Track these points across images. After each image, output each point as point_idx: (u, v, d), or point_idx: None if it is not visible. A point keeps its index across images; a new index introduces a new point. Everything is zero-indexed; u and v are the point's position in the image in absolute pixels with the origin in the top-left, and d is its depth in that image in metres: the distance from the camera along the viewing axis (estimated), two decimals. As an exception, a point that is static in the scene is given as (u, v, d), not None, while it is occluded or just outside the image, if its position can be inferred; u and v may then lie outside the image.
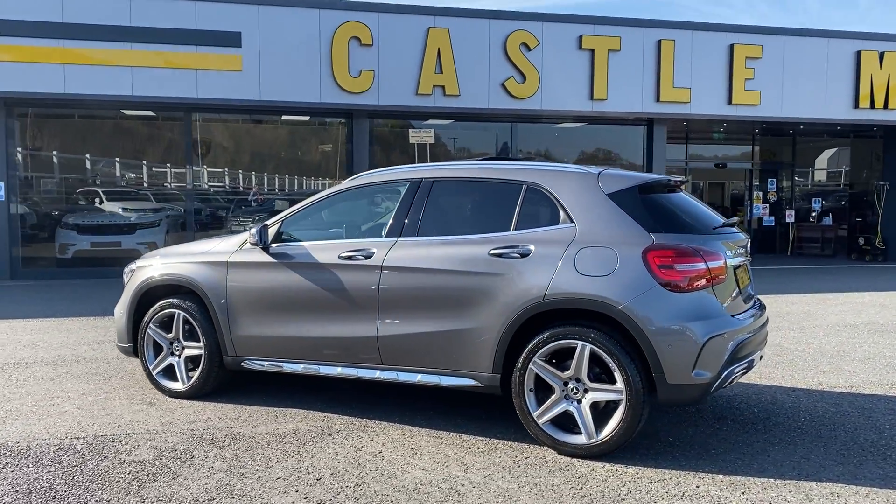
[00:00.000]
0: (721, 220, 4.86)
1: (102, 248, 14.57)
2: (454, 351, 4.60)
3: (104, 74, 12.95)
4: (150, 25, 12.98)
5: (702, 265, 4.22)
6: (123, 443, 4.52)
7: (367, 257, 4.84)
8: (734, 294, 4.49)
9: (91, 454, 4.33)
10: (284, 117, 15.53)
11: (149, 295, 5.64)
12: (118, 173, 17.00)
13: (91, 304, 10.32)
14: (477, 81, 14.26)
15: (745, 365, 4.41)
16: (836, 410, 5.27)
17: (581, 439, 4.28)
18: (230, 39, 13.34)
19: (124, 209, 15.55)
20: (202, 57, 13.27)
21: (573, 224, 4.45)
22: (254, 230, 5.18)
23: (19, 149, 15.20)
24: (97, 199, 15.67)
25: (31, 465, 4.16)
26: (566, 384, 4.33)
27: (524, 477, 4.01)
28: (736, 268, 4.64)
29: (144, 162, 16.30)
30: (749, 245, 5.08)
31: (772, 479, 4.00)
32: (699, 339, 4.08)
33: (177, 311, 5.47)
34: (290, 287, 5.09)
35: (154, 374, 5.60)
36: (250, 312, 5.23)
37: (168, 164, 16.29)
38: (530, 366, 4.36)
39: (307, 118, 15.60)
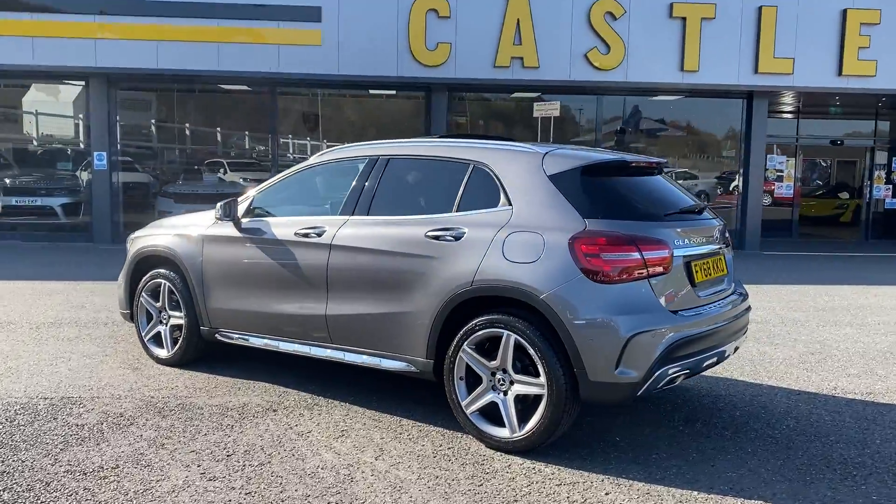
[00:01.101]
0: (691, 204, 4.46)
1: (197, 216, 15.33)
2: (393, 334, 4.49)
3: (193, 50, 13.53)
4: (236, 2, 13.41)
5: (635, 255, 3.88)
6: (81, 405, 4.75)
7: (319, 235, 4.81)
8: (683, 287, 4.10)
9: (45, 415, 4.57)
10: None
11: (142, 264, 5.87)
12: (247, 145, 17.89)
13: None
14: (557, 53, 13.81)
15: (693, 364, 4.03)
16: (831, 419, 4.75)
17: (505, 432, 4.09)
18: (311, 14, 13.57)
19: (244, 179, 16.25)
20: (284, 32, 13.59)
21: (510, 207, 4.21)
22: (220, 204, 5.26)
23: (153, 121, 16.32)
24: (221, 170, 16.51)
25: (-15, 422, 4.45)
26: (494, 374, 4.14)
27: (431, 468, 3.88)
28: (699, 258, 4.24)
29: (270, 135, 16.99)
30: (724, 232, 4.64)
31: (696, 493, 3.65)
32: (622, 336, 3.77)
33: (163, 281, 5.66)
34: (254, 262, 5.14)
35: (145, 340, 5.84)
36: (221, 285, 5.33)
37: (290, 136, 16.97)
38: (460, 353, 4.20)
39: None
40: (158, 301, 5.73)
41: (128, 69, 13.69)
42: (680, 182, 15.72)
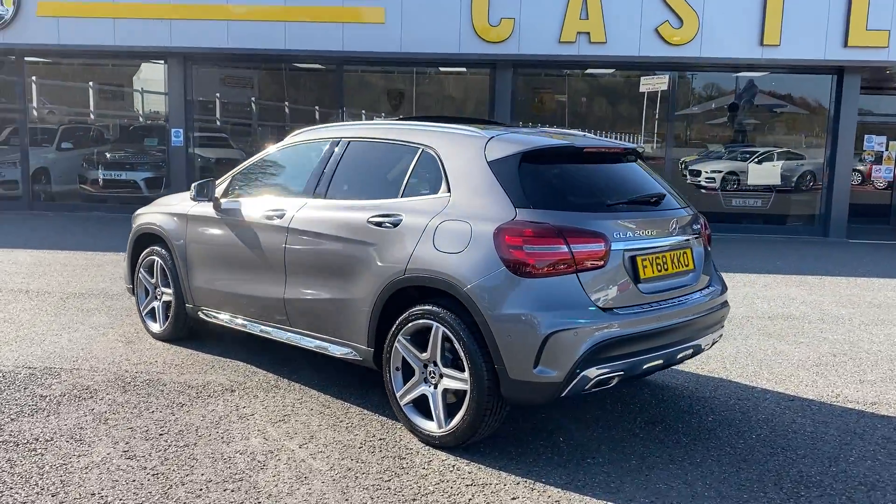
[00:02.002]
0: (647, 194, 4.15)
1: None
2: (340, 320, 4.44)
3: (261, 29, 13.80)
4: (302, -19, 13.58)
5: (562, 248, 3.64)
6: (57, 376, 4.95)
7: (280, 217, 4.79)
8: (623, 283, 3.81)
9: (18, 384, 4.79)
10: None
11: (141, 241, 6.04)
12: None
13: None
14: (626, 27, 13.22)
15: (628, 366, 3.76)
16: (812, 431, 4.35)
17: (433, 427, 3.96)
18: (374, -8, 13.56)
19: None
20: (348, 10, 13.63)
21: (448, 194, 4.05)
22: (194, 185, 5.33)
23: (253, 98, 16.87)
24: None
25: (-38, 388, 4.71)
26: (426, 367, 4.01)
27: (350, 459, 3.81)
28: (650, 251, 3.94)
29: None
30: (694, 224, 4.30)
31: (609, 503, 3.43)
32: (540, 333, 3.55)
33: (156, 258, 5.81)
34: (228, 243, 5.19)
35: (143, 314, 6.04)
36: (201, 265, 5.41)
37: (382, 114, 17.23)
38: (396, 344, 4.09)
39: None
40: (153, 277, 5.90)
41: (200, 48, 14.12)
42: (785, 162, 14.90)
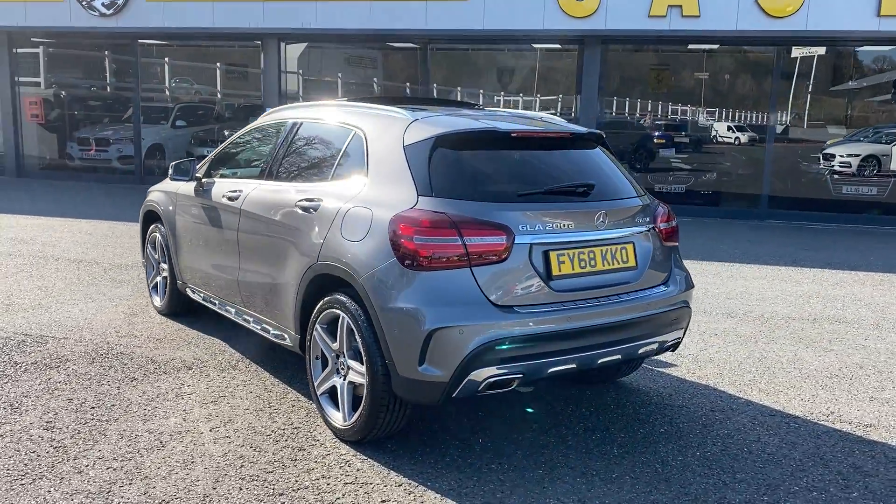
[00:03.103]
0: (573, 184, 3.79)
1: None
2: (275, 304, 4.39)
3: (348, 9, 13.94)
4: (385, -41, 13.58)
5: (454, 240, 3.39)
6: (43, 345, 5.21)
7: (235, 199, 4.79)
8: (529, 279, 3.49)
9: (10, 347, 5.08)
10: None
11: (147, 217, 6.24)
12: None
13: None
14: (722, -1, 12.31)
15: (529, 368, 3.46)
16: (774, 453, 3.86)
17: (339, 419, 3.84)
18: (458, -32, 13.34)
19: None
20: (432, -13, 13.52)
21: (366, 178, 3.88)
22: (172, 164, 5.43)
23: (375, 79, 17.27)
24: None
25: (-46, 351, 5.06)
26: (338, 357, 3.89)
27: (250, 447, 3.75)
28: (570, 246, 3.61)
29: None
30: (642, 216, 3.90)
31: (482, 515, 3.19)
32: (424, 329, 3.34)
33: (157, 234, 6.00)
34: (201, 222, 5.26)
35: (149, 288, 6.26)
36: (184, 243, 5.53)
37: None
38: (314, 332, 4.00)
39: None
40: (156, 253, 6.10)
41: (292, 29, 14.46)
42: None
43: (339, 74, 18.16)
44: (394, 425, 3.69)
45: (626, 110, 16.39)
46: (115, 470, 3.48)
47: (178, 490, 3.32)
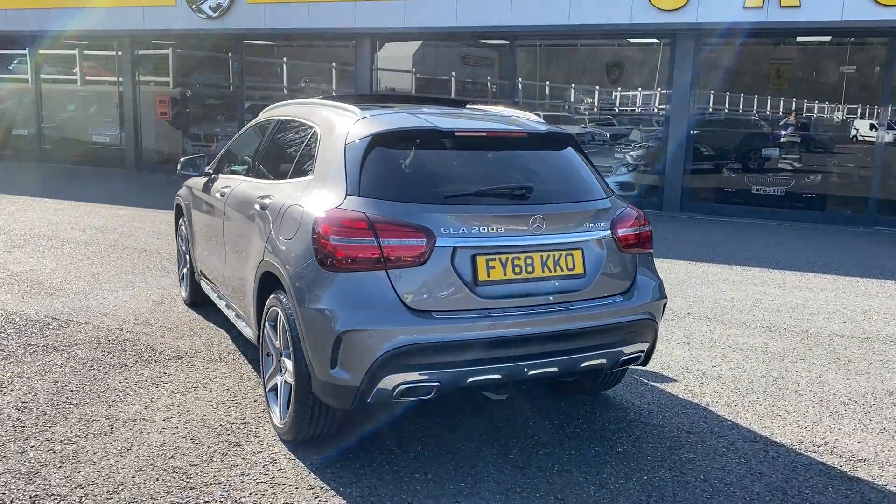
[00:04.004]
0: (512, 186, 3.59)
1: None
2: (243, 299, 4.46)
3: (434, 7, 13.97)
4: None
5: (369, 241, 3.30)
6: (63, 328, 5.53)
7: (223, 195, 4.90)
8: (450, 284, 3.33)
9: (26, 332, 5.42)
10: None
11: (177, 211, 6.50)
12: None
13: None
14: (826, -13, 11.39)
15: (448, 377, 3.32)
16: (732, 484, 3.52)
17: (276, 417, 3.85)
18: (544, -38, 13.08)
19: None
20: (517, -18, 13.33)
21: (311, 176, 3.86)
22: (181, 160, 5.60)
23: (489, 78, 17.40)
24: None
25: (-17, 331, 5.46)
26: (280, 355, 3.89)
27: (189, 439, 3.81)
28: (501, 251, 3.43)
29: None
30: (596, 221, 3.65)
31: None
32: (334, 331, 3.27)
33: (183, 227, 6.24)
34: (205, 216, 5.42)
35: (179, 278, 6.53)
36: (196, 235, 5.72)
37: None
38: (264, 329, 4.02)
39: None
40: (183, 244, 6.34)
41: (382, 28, 14.68)
42: None
43: (453, 73, 18.23)
44: (324, 427, 3.65)
45: (729, 105, 15.55)
46: (54, 452, 3.64)
47: (100, 476, 3.42)
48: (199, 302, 6.15)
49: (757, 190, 13.44)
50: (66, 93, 19.91)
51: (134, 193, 14.04)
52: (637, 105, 17.12)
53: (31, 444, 3.72)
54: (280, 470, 3.54)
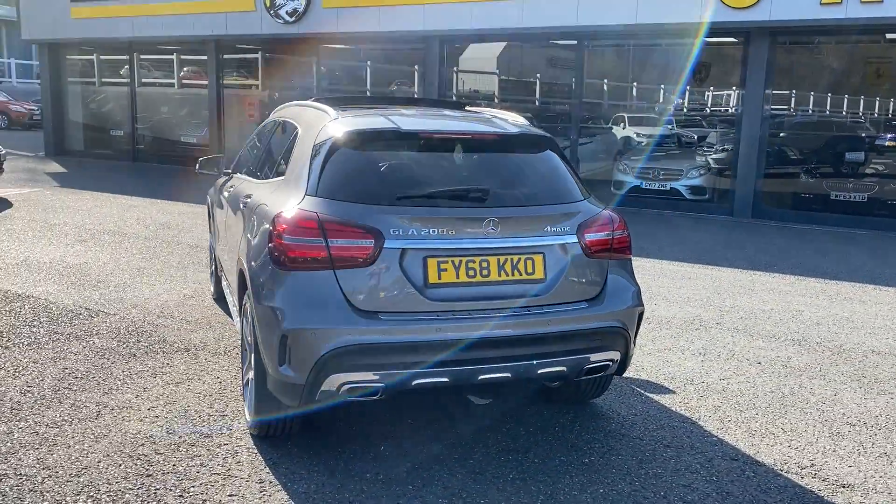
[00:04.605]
0: (469, 188, 3.54)
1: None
2: (233, 294, 4.58)
3: (500, 9, 13.92)
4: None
5: (319, 241, 3.33)
6: (90, 319, 5.81)
7: (228, 194, 5.05)
8: (398, 285, 3.32)
9: (55, 321, 5.73)
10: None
11: (209, 209, 6.74)
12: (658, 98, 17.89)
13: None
14: (912, -21, 10.68)
15: (394, 380, 3.31)
16: (695, 502, 3.36)
17: (247, 412, 3.93)
18: (611, -40, 12.82)
19: (637, 133, 16.39)
20: (584, -18, 13.12)
21: (284, 176, 3.93)
22: (200, 159, 5.80)
23: (573, 77, 17.41)
24: (622, 124, 16.80)
25: (21, 313, 5.79)
26: (248, 351, 3.98)
27: (165, 430, 3.94)
28: (454, 253, 3.39)
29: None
30: (559, 225, 3.56)
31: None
32: (281, 329, 3.32)
33: (211, 224, 6.48)
34: (218, 212, 5.61)
35: (210, 274, 6.76)
36: (215, 231, 5.92)
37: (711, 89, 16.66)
38: (242, 324, 4.13)
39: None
40: (212, 241, 6.57)
41: (450, 30, 14.75)
42: None
43: (538, 75, 18.09)
44: (283, 424, 3.70)
45: (813, 106, 14.80)
46: (36, 434, 3.84)
47: (68, 460, 3.59)
48: (222, 296, 6.34)
49: (836, 196, 12.73)
50: (161, 95, 20.96)
51: (199, 192, 14.59)
52: (723, 105, 16.56)
53: (21, 426, 3.94)
54: (238, 463, 3.62)
